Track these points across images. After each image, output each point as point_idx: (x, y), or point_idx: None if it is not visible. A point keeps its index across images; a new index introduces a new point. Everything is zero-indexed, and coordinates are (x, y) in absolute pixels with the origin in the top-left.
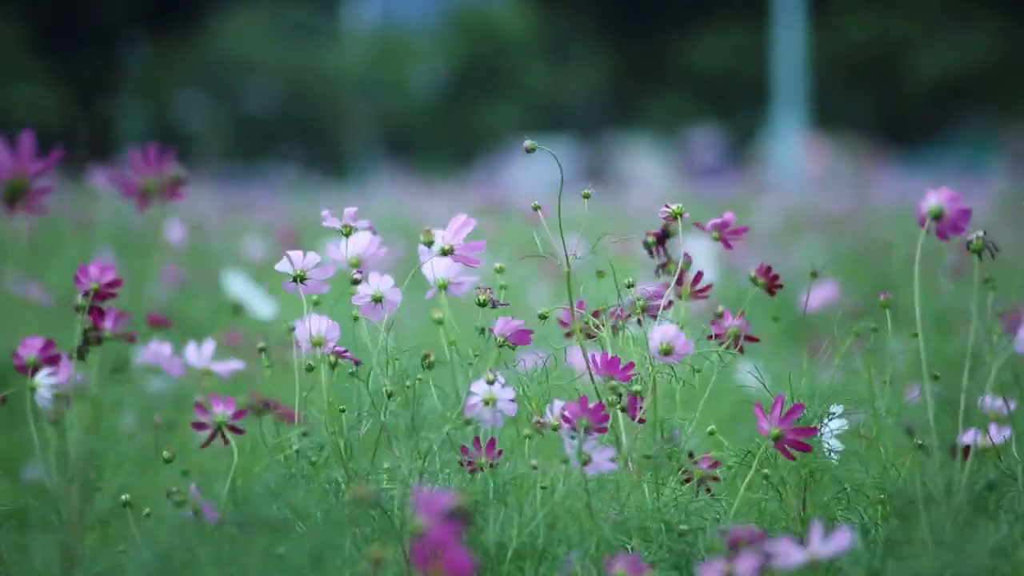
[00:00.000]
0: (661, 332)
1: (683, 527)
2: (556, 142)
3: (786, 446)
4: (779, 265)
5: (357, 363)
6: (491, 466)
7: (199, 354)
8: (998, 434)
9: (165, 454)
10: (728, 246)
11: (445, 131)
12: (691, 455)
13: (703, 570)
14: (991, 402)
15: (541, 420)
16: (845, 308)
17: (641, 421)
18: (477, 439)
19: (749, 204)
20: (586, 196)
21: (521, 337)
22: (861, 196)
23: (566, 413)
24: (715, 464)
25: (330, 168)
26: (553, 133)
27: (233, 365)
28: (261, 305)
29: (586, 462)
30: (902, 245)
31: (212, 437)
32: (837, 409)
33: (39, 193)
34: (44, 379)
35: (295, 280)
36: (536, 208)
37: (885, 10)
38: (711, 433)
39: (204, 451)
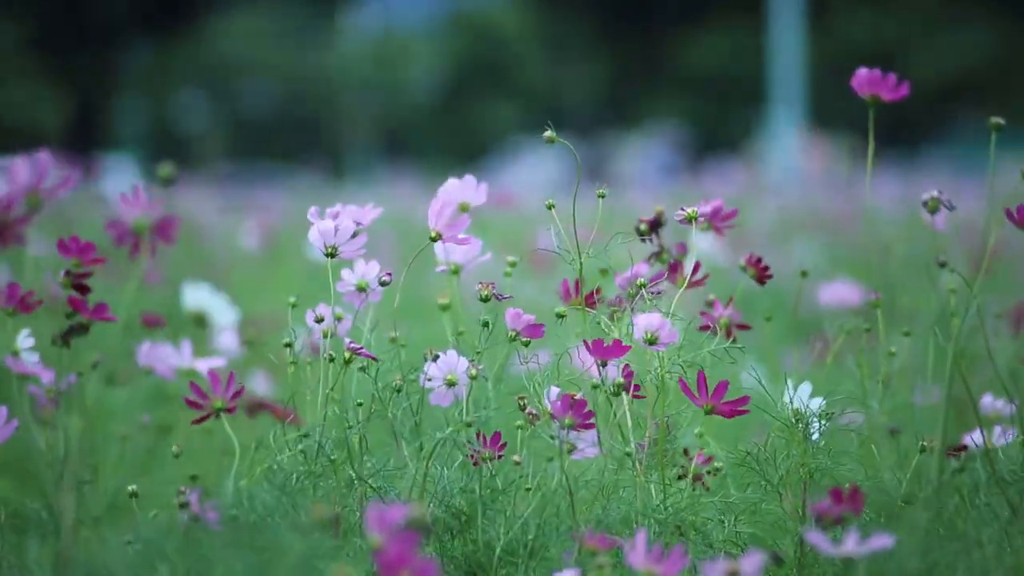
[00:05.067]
0: (645, 321)
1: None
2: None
3: (719, 414)
4: (779, 265)
5: (374, 359)
6: (495, 458)
7: (180, 354)
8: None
9: (174, 449)
10: (720, 233)
11: (444, 131)
12: (686, 451)
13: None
14: (992, 402)
15: (534, 412)
16: (849, 308)
17: (637, 395)
18: (481, 434)
19: (747, 204)
20: (601, 196)
21: (533, 331)
22: (859, 196)
23: (554, 408)
24: (710, 459)
25: (330, 168)
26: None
27: (215, 362)
28: (223, 314)
29: (571, 450)
30: (901, 245)
31: (205, 418)
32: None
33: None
34: (23, 340)
35: (327, 255)
36: (550, 207)
37: (883, 10)
38: (699, 435)
39: (201, 451)
